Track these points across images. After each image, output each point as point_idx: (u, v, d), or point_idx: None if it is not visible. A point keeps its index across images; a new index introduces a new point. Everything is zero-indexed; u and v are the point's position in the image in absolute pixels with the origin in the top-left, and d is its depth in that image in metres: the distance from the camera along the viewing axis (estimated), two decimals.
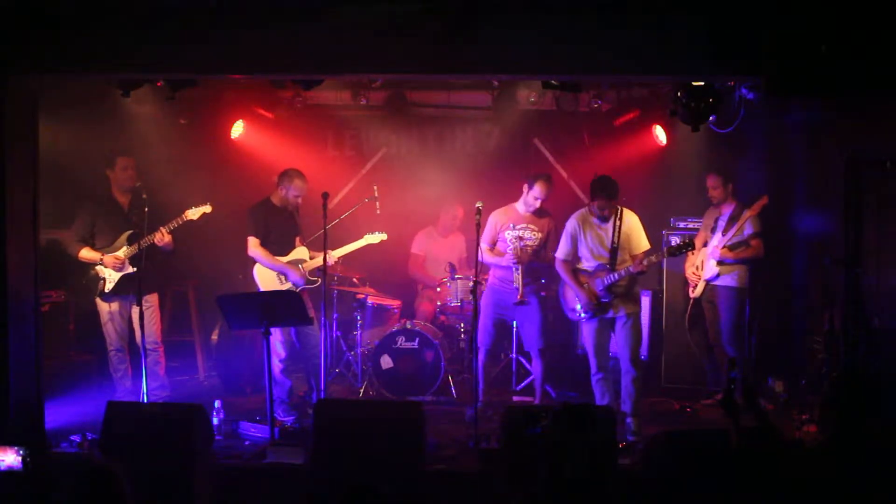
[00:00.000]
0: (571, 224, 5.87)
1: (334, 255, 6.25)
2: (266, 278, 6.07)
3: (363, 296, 7.17)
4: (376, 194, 6.82)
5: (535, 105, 7.84)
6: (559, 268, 5.92)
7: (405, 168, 8.23)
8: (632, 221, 5.77)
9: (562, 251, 5.89)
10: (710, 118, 5.92)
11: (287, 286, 6.04)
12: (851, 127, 5.86)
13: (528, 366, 6.96)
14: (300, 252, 6.17)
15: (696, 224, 6.97)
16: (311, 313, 5.85)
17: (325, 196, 5.83)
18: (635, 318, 5.72)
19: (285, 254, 6.12)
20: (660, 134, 7.43)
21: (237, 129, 7.62)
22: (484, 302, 6.31)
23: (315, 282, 6.10)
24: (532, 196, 6.15)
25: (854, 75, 4.48)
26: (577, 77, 5.75)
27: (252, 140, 7.76)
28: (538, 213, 6.25)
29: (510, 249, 6.12)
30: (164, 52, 4.97)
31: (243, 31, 4.89)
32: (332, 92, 7.81)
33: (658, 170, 7.35)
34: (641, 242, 5.76)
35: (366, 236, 6.50)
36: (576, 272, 5.83)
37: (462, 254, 7.62)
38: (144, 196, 5.79)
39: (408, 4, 4.77)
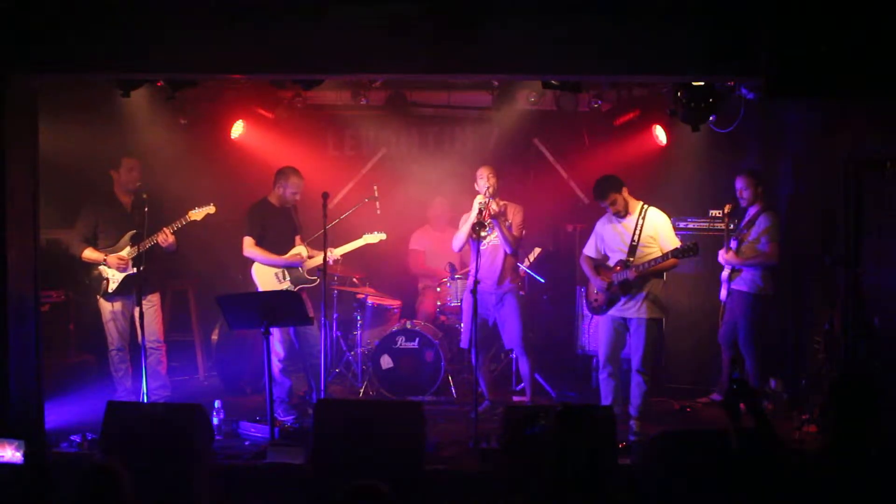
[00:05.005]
0: (598, 222, 5.97)
1: (336, 252, 6.25)
2: (264, 278, 6.07)
3: (363, 296, 7.17)
4: (376, 194, 6.82)
5: (535, 105, 7.84)
6: (580, 261, 6.05)
7: (405, 168, 8.24)
8: (657, 220, 5.72)
9: (586, 246, 6.02)
10: (710, 118, 5.92)
11: (285, 285, 6.04)
12: (851, 127, 5.86)
13: None
14: (298, 251, 6.17)
15: (696, 224, 6.97)
16: (311, 313, 5.85)
17: (325, 196, 5.83)
18: (652, 324, 5.65)
19: (284, 253, 6.12)
20: (660, 134, 7.43)
21: (237, 129, 7.62)
22: (465, 305, 6.34)
23: (314, 281, 6.10)
24: (477, 184, 6.12)
25: (854, 76, 4.48)
26: (577, 77, 5.74)
27: (252, 140, 7.76)
28: (501, 208, 6.15)
29: (477, 203, 5.97)
30: (164, 52, 4.97)
31: (243, 31, 4.89)
32: (332, 92, 7.81)
33: (658, 170, 7.35)
34: (668, 241, 5.66)
35: (364, 236, 6.50)
36: (598, 268, 5.86)
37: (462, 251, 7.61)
38: (145, 196, 5.79)
39: (408, 4, 4.77)
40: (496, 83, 7.50)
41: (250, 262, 6.11)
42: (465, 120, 8.35)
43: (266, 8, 4.87)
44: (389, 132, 8.35)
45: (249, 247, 6.02)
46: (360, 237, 6.49)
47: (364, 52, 4.91)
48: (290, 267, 6.08)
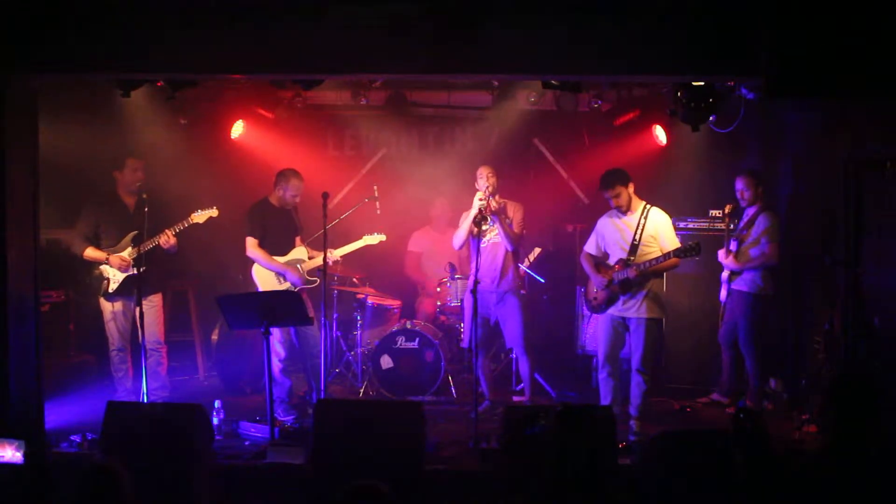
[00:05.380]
0: (600, 220, 5.96)
1: (336, 254, 6.25)
2: (265, 278, 6.07)
3: (363, 296, 7.17)
4: (376, 194, 6.83)
5: (535, 105, 7.84)
6: (581, 258, 6.05)
7: (405, 168, 8.24)
8: (658, 220, 5.72)
9: (587, 244, 6.01)
10: (710, 118, 5.91)
11: (286, 286, 6.04)
12: (851, 127, 5.86)
13: None
14: (299, 252, 6.17)
15: (696, 224, 6.97)
16: (311, 313, 5.86)
17: (325, 196, 5.83)
18: (652, 324, 5.65)
19: (284, 254, 6.12)
20: (660, 134, 7.43)
21: (237, 129, 7.62)
22: (466, 304, 6.34)
23: (314, 282, 6.10)
24: (478, 183, 6.11)
25: (854, 76, 4.48)
26: (577, 77, 5.74)
27: (252, 140, 7.76)
28: (500, 206, 6.15)
29: (478, 199, 5.98)
30: (165, 52, 4.97)
31: (243, 31, 4.89)
32: (332, 92, 7.81)
33: (658, 170, 7.36)
34: (669, 241, 5.67)
35: (364, 237, 6.51)
36: (599, 265, 5.86)
37: (461, 251, 7.61)
38: (145, 197, 5.79)
39: (408, 4, 4.77)
40: (496, 83, 7.50)
41: (250, 262, 6.11)
42: (465, 120, 8.35)
43: (266, 8, 4.87)
44: (389, 132, 8.35)
45: (252, 248, 6.02)
46: (360, 238, 6.49)
47: (364, 52, 4.91)
48: (288, 273, 6.07)
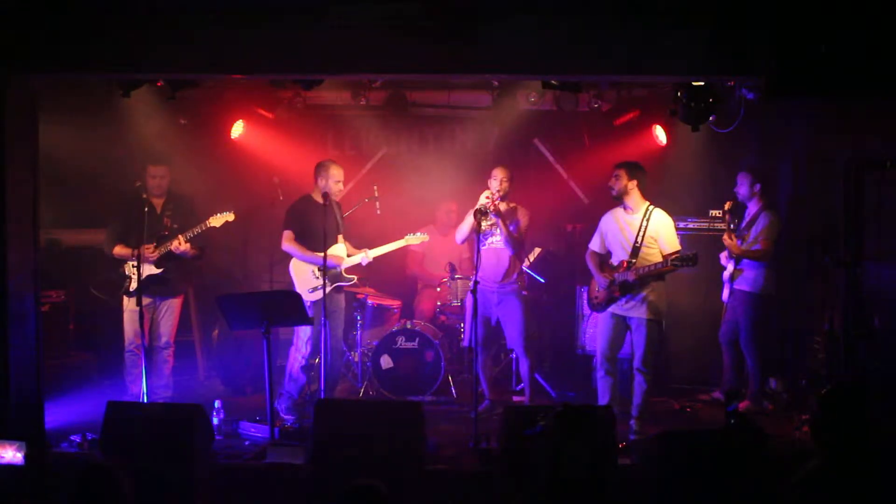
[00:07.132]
0: (603, 218, 5.93)
1: (371, 254, 6.25)
2: (301, 275, 6.05)
3: (363, 296, 7.16)
4: (376, 194, 6.82)
5: (535, 105, 7.83)
6: (586, 257, 6.01)
7: (405, 168, 8.23)
8: (660, 221, 5.69)
9: (592, 242, 5.98)
10: (710, 118, 5.92)
11: (318, 283, 6.00)
12: (851, 127, 5.86)
13: None
14: (338, 249, 6.12)
15: (696, 224, 6.97)
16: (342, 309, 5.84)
17: (326, 196, 5.82)
18: (653, 324, 5.64)
19: (318, 251, 6.08)
20: (660, 134, 7.43)
21: (237, 129, 7.61)
22: (468, 302, 6.34)
23: (351, 279, 6.10)
24: (490, 183, 6.10)
25: (854, 75, 4.48)
26: (577, 77, 5.74)
27: (252, 140, 7.75)
28: (509, 209, 6.20)
29: (484, 197, 5.98)
30: (164, 52, 4.97)
31: (243, 31, 4.89)
32: (332, 92, 7.80)
33: (658, 170, 7.35)
34: (669, 244, 5.65)
35: (407, 237, 6.50)
36: (603, 265, 5.86)
37: (463, 252, 7.61)
38: (144, 196, 5.78)
39: (407, 4, 4.78)
40: (496, 83, 7.50)
41: (287, 257, 6.08)
42: (465, 120, 8.34)
43: (266, 8, 4.88)
44: (389, 132, 8.35)
45: (288, 241, 6.00)
46: (403, 237, 6.48)
47: (364, 52, 4.91)
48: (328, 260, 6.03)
